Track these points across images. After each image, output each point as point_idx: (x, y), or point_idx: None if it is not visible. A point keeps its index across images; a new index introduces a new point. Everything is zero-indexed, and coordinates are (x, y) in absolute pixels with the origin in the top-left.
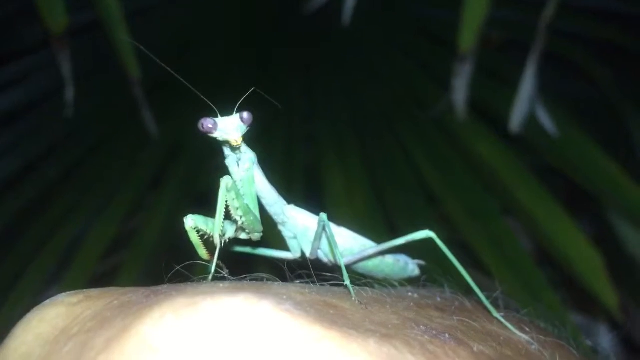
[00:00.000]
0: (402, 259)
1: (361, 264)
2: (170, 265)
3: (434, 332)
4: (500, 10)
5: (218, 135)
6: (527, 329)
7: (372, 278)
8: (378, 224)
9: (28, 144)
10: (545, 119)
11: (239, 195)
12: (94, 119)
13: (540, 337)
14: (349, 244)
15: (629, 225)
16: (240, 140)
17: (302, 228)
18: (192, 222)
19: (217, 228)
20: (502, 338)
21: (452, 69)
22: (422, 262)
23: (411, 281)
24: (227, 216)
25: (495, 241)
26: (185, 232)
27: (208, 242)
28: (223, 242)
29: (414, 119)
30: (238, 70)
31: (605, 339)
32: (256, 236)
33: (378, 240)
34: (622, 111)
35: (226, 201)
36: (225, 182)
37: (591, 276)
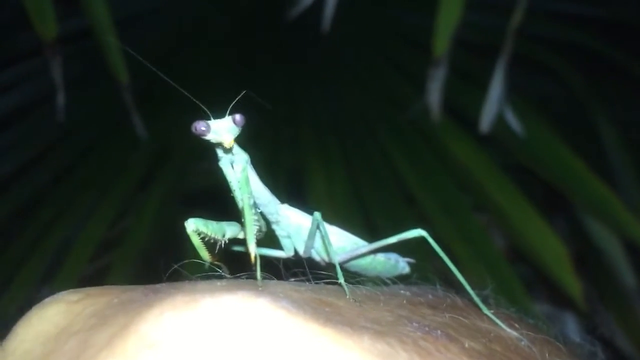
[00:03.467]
0: (393, 257)
1: (354, 263)
2: (167, 264)
3: (427, 328)
4: (475, 15)
5: (211, 137)
6: (517, 326)
7: (364, 276)
8: (358, 223)
9: (20, 149)
10: (512, 120)
11: (256, 210)
12: (85, 124)
13: (530, 333)
14: (341, 243)
15: (594, 220)
16: (232, 142)
17: (296, 227)
18: (193, 226)
19: (250, 244)
20: (492, 334)
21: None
22: (412, 260)
23: (402, 279)
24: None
25: (466, 236)
26: (187, 235)
27: (209, 243)
28: (224, 242)
29: (393, 121)
30: (222, 76)
31: (571, 330)
32: (261, 235)
33: (362, 238)
34: (592, 112)
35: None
36: (248, 201)
37: (557, 267)
